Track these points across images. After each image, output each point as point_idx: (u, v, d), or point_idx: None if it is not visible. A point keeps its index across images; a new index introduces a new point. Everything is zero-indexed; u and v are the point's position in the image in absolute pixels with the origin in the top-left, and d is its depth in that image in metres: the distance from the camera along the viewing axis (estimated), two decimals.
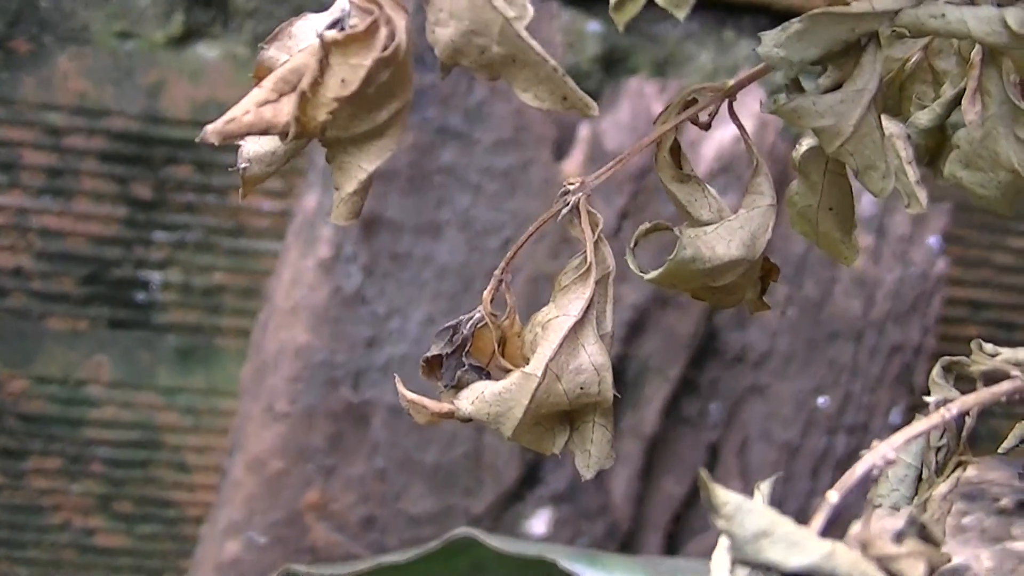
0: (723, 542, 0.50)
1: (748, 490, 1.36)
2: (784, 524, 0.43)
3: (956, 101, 0.76)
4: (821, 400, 1.36)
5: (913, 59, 0.79)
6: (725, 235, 0.54)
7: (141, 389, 1.44)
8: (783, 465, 1.35)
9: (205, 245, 1.42)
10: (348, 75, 0.45)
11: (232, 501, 1.33)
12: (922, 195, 0.83)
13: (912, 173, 0.81)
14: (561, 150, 1.31)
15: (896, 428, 1.37)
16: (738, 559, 0.43)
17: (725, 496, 0.42)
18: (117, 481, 1.46)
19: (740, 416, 1.36)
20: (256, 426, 1.31)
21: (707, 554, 1.35)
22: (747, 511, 0.43)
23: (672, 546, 1.37)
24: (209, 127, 0.46)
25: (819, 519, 0.44)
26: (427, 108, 1.26)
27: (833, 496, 0.44)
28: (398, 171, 1.27)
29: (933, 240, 1.38)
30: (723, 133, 1.31)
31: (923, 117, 0.78)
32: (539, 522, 1.32)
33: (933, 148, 0.78)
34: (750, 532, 0.42)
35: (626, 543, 1.35)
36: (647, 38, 1.43)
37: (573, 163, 1.30)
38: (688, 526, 1.37)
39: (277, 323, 1.31)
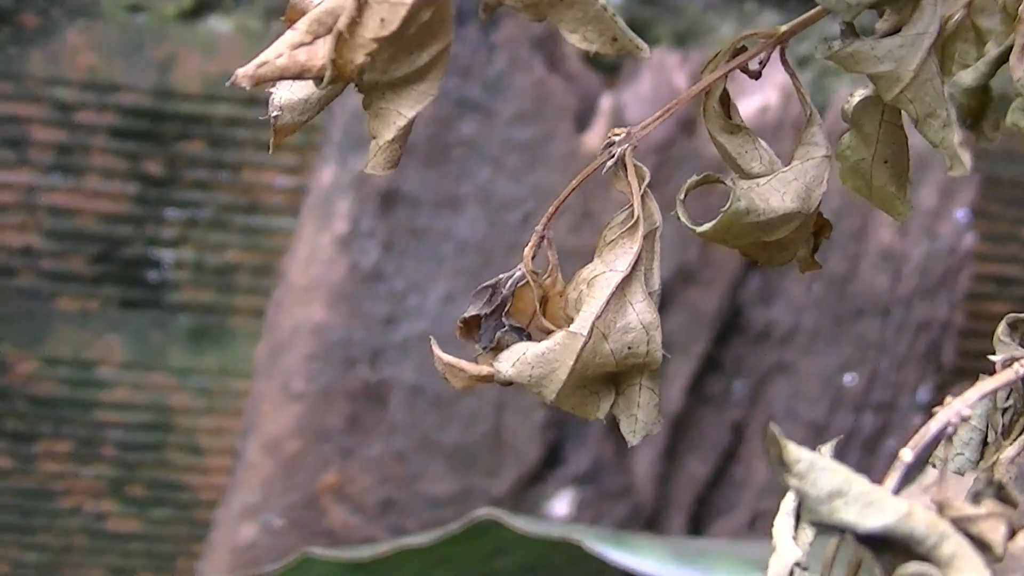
0: (786, 505, 0.48)
1: (772, 472, 1.34)
2: (859, 483, 0.41)
3: (1001, 59, 0.74)
4: (847, 378, 1.35)
5: (955, 17, 0.77)
6: (779, 187, 0.52)
7: (153, 370, 1.43)
8: (809, 444, 1.33)
9: (218, 222, 1.41)
10: (388, 14, 0.43)
11: (247, 484, 1.31)
12: (966, 157, 0.81)
13: (956, 134, 0.79)
14: (582, 122, 1.30)
15: (924, 406, 1.35)
16: (811, 520, 0.41)
17: (797, 453, 0.40)
18: (129, 464, 1.45)
19: (765, 394, 1.35)
20: (271, 407, 1.30)
21: (732, 535, 1.34)
22: (820, 469, 0.41)
23: (696, 527, 1.35)
24: (240, 71, 0.43)
25: (893, 478, 0.42)
26: (446, 79, 1.25)
27: (907, 454, 0.42)
28: (416, 144, 1.25)
29: (961, 214, 1.36)
30: (747, 103, 1.29)
31: (966, 76, 0.75)
32: (561, 503, 1.31)
33: (976, 109, 0.75)
34: (824, 491, 0.40)
35: (649, 524, 1.34)
36: (668, 9, 1.41)
37: (595, 135, 1.29)
38: (712, 507, 1.36)
39: (292, 301, 1.30)
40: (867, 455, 1.34)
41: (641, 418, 0.53)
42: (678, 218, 0.54)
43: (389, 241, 1.27)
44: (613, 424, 0.56)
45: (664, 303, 1.34)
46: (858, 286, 1.35)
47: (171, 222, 1.41)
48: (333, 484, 1.29)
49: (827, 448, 0.50)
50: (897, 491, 0.42)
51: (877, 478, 0.43)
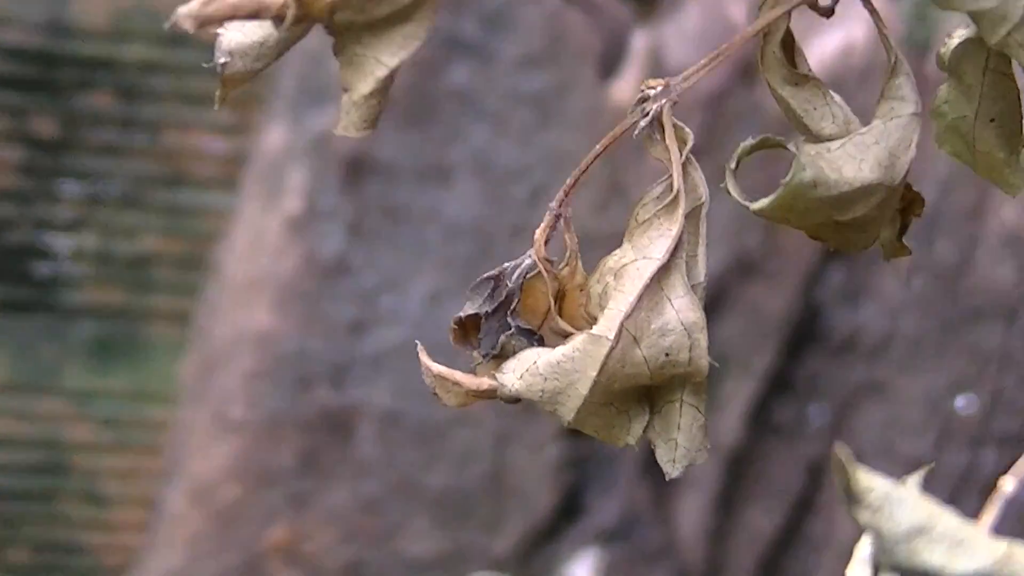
0: (860, 552, 0.51)
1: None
2: (945, 518, 0.44)
3: None
4: (961, 401, 1.35)
5: None
6: (855, 153, 0.54)
7: (44, 393, 1.44)
8: None
9: (130, 200, 1.41)
10: None
11: (169, 543, 1.33)
12: None
13: None
14: (609, 68, 1.31)
15: None
16: (887, 564, 0.44)
17: (869, 481, 0.43)
18: (11, 519, 1.46)
19: (851, 423, 1.36)
20: (202, 441, 1.31)
21: None
22: (898, 501, 0.44)
23: None
24: (183, 9, 0.47)
25: (991, 514, 0.45)
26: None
27: (1009, 484, 0.46)
28: (393, 97, 1.27)
29: None
30: (825, 43, 1.30)
31: None
32: (582, 567, 1.32)
33: None
34: (902, 528, 0.43)
35: None
36: None
37: (625, 85, 1.30)
38: (782, 572, 1.36)
39: (230, 303, 1.31)
40: (988, 501, 1.36)
41: (683, 443, 0.55)
42: (728, 193, 0.56)
43: (357, 223, 1.28)
44: (650, 461, 0.58)
45: (717, 303, 1.36)
46: (973, 280, 1.36)
47: (68, 199, 1.41)
48: (283, 542, 1.30)
49: (914, 479, 0.52)
50: (998, 530, 0.45)
51: (1000, 530, 0.46)
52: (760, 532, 1.36)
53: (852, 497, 0.44)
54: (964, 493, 1.36)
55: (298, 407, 1.30)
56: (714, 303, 1.34)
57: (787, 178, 0.54)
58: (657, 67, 1.30)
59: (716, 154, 1.30)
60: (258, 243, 1.30)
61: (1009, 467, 1.41)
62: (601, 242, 0.64)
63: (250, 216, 1.31)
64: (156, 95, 1.40)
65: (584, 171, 0.55)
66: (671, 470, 0.56)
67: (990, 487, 1.38)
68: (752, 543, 1.36)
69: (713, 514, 1.34)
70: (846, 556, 1.45)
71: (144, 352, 1.44)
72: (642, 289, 0.54)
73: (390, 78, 0.50)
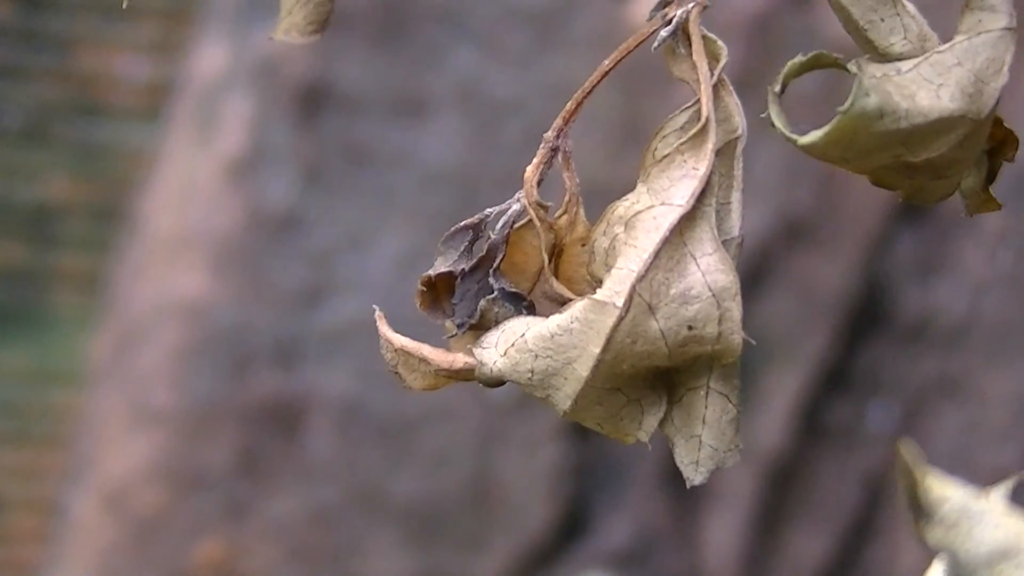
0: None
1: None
2: None
3: None
4: None
5: None
6: (932, 76, 0.54)
7: None
8: None
9: (31, 134, 1.43)
10: None
11: (76, 558, 1.34)
12: None
13: None
14: None
15: None
16: None
17: (943, 490, 0.43)
18: None
19: (921, 426, 1.37)
20: (117, 433, 1.32)
21: None
22: (978, 516, 0.44)
23: None
24: None
25: None
26: None
27: None
28: (358, 12, 1.27)
29: None
30: None
31: None
32: None
33: None
34: (983, 550, 0.43)
35: None
36: None
37: (646, 1, 1.31)
38: None
39: (153, 263, 1.32)
40: None
41: (708, 441, 0.55)
42: (773, 125, 0.56)
43: (312, 167, 1.29)
44: (671, 467, 0.57)
45: (758, 276, 1.36)
46: None
47: None
48: (215, 558, 1.31)
49: (999, 492, 0.52)
50: None
51: None
52: (807, 558, 1.37)
53: (921, 510, 0.43)
54: None
55: (236, 393, 1.31)
56: (755, 276, 1.35)
57: (846, 105, 0.53)
58: None
59: (760, 90, 1.31)
60: (189, 190, 1.31)
61: None
62: (615, 195, 0.65)
63: (179, 157, 1.32)
64: (65, 5, 1.42)
65: (588, 93, 0.55)
66: (693, 475, 0.56)
67: None
68: (797, 571, 1.37)
69: (749, 535, 1.36)
70: None
71: (46, 323, 1.45)
72: (660, 244, 0.53)
73: None
